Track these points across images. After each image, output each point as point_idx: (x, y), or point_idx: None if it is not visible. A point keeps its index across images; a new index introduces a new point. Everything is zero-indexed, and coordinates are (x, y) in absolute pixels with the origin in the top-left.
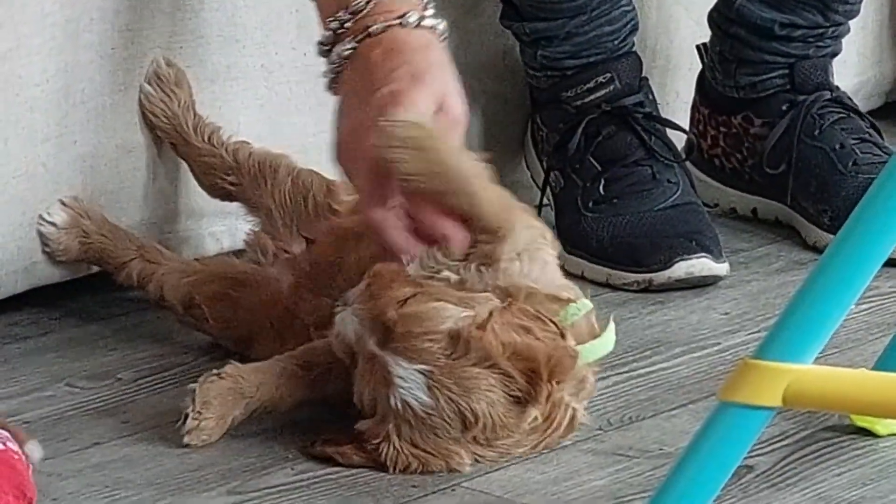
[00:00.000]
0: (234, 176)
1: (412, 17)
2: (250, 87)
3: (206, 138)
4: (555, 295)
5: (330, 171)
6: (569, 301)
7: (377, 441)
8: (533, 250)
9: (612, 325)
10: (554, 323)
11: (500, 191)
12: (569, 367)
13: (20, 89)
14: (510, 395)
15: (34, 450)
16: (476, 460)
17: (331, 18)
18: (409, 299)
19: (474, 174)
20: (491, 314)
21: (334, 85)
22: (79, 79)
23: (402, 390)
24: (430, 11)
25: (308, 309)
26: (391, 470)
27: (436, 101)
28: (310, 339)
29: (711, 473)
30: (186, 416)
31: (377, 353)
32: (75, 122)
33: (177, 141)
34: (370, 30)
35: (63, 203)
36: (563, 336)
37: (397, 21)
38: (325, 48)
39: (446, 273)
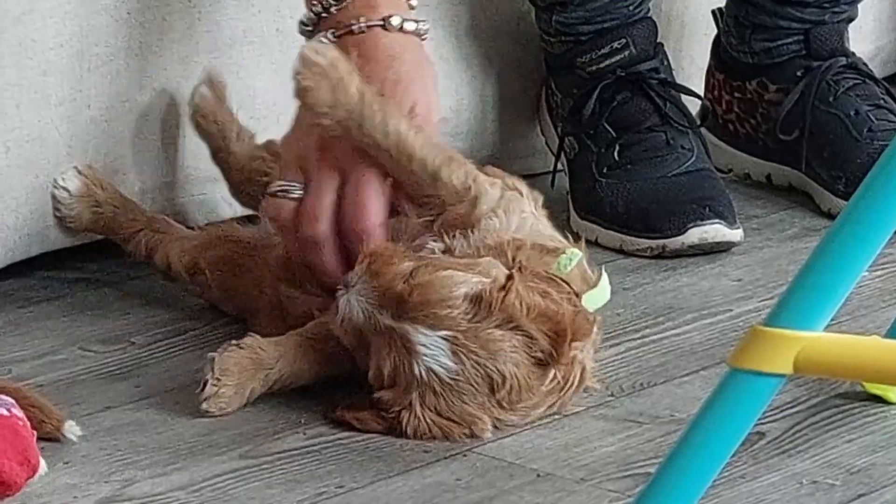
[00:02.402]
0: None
1: (395, 21)
2: (266, 51)
3: (247, 145)
4: (543, 245)
5: None
6: (557, 251)
7: (398, 409)
8: (506, 202)
9: (605, 275)
10: (566, 283)
11: (433, 138)
12: (588, 329)
13: (34, 53)
14: (533, 357)
15: (72, 431)
16: (496, 426)
17: (315, 1)
18: (415, 271)
19: (393, 115)
20: (511, 277)
21: None
22: (93, 43)
23: (426, 358)
24: (413, 12)
25: (291, 296)
26: (412, 436)
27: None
28: (309, 318)
29: (721, 440)
30: (205, 384)
31: (394, 325)
32: (89, 87)
33: (219, 147)
34: (352, 27)
35: (78, 170)
36: (578, 297)
37: (379, 23)
38: (307, 29)
39: (431, 244)
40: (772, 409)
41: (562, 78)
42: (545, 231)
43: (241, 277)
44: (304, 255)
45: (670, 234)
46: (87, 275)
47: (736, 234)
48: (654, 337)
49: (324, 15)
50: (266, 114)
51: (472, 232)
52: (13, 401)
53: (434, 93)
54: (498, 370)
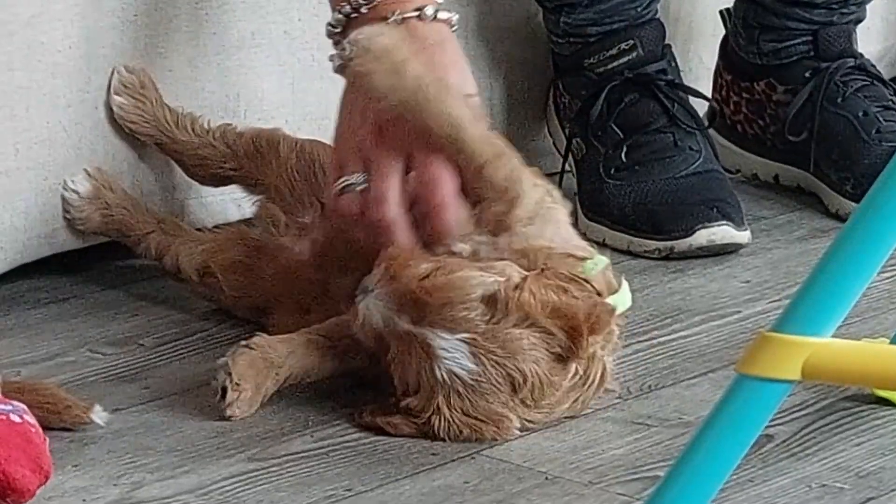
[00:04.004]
0: (231, 162)
1: (429, 10)
2: (273, 53)
3: (191, 131)
4: (571, 254)
5: None
6: (585, 259)
7: (427, 415)
8: (545, 211)
9: (625, 283)
10: (589, 283)
11: (488, 131)
12: (606, 321)
13: (42, 55)
14: (552, 353)
15: (100, 415)
16: (524, 425)
17: (344, 2)
18: (431, 273)
19: (451, 103)
20: (526, 277)
21: (344, 69)
22: (101, 45)
23: (446, 361)
24: (441, 2)
25: (338, 282)
26: (444, 438)
27: None
28: (338, 311)
29: (730, 446)
30: (224, 390)
31: (413, 330)
32: (97, 88)
33: (163, 141)
34: (388, 21)
35: (88, 173)
36: (599, 294)
37: (415, 13)
38: (336, 31)
39: (460, 246)
40: (780, 412)
41: (570, 79)
42: (576, 241)
43: (256, 280)
44: (377, 243)
45: (678, 235)
46: (96, 277)
47: (744, 236)
48: (662, 339)
49: (353, 15)
50: (274, 115)
51: (505, 235)
52: (25, 407)
53: (474, 83)
54: (518, 369)
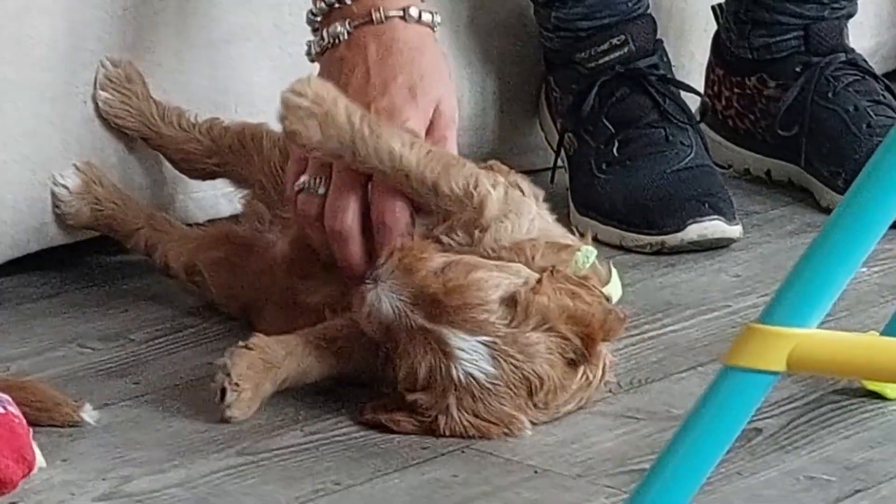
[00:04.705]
0: (216, 157)
1: (413, 11)
2: (264, 47)
3: (177, 125)
4: (556, 242)
5: None
6: (570, 247)
7: (435, 413)
8: (515, 205)
9: (614, 270)
10: (594, 287)
11: (429, 147)
12: (619, 330)
13: (29, 49)
14: (565, 357)
15: (90, 414)
16: (532, 423)
17: None
18: (447, 268)
19: (385, 133)
20: (540, 279)
21: (319, 56)
22: (88, 38)
23: (465, 363)
24: (425, 3)
25: (312, 287)
26: (448, 436)
27: (431, 110)
28: (320, 317)
29: (715, 437)
30: (224, 391)
31: (428, 326)
32: (85, 83)
33: (149, 135)
34: (372, 18)
35: (77, 168)
36: (608, 300)
37: (399, 13)
38: (317, 19)
39: (447, 238)
40: (769, 405)
41: (561, 74)
42: (553, 229)
43: (241, 277)
44: (331, 249)
45: (669, 230)
46: (86, 272)
47: (735, 231)
48: (652, 333)
49: (336, 5)
50: (264, 108)
51: (486, 237)
52: (9, 398)
53: (454, 88)
54: (535, 373)
